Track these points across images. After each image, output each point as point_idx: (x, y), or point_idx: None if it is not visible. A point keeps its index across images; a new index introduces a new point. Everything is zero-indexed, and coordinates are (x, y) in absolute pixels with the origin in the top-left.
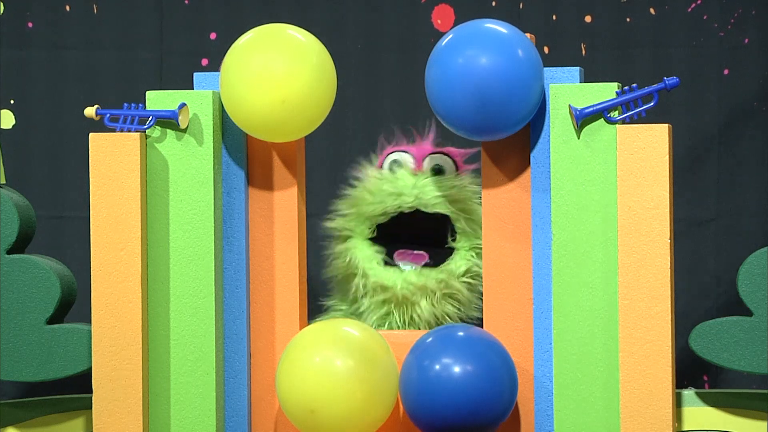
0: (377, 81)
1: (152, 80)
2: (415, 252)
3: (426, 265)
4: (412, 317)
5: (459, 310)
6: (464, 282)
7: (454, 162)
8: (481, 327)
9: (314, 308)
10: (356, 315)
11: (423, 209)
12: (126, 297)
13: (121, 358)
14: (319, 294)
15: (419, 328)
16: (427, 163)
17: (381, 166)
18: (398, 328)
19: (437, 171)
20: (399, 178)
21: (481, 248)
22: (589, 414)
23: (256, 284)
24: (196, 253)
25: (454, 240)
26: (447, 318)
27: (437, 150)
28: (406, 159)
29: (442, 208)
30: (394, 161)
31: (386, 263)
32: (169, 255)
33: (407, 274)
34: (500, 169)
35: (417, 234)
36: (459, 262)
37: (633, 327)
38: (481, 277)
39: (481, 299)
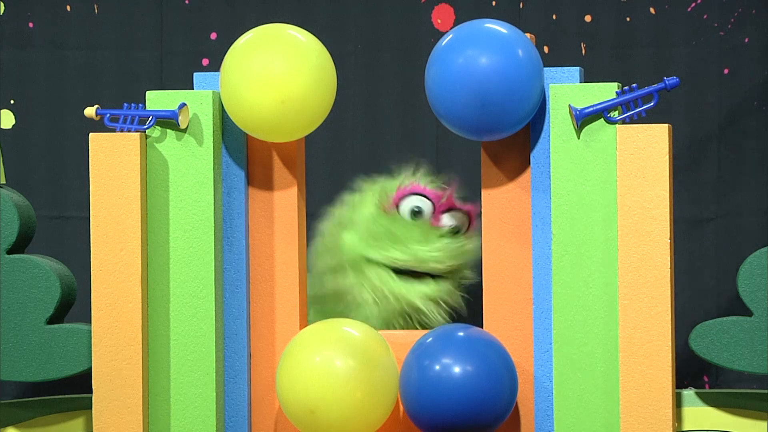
0: (377, 81)
1: (152, 80)
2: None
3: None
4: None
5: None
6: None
7: (469, 220)
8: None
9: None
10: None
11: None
12: (126, 297)
13: (121, 358)
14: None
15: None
16: (445, 220)
17: (397, 203)
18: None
19: (455, 232)
20: (422, 237)
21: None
22: (589, 414)
23: (256, 284)
24: (196, 253)
25: None
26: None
27: (458, 207)
28: (427, 209)
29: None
30: (417, 209)
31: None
32: (169, 255)
33: (419, 285)
34: (500, 169)
35: None
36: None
37: (633, 327)
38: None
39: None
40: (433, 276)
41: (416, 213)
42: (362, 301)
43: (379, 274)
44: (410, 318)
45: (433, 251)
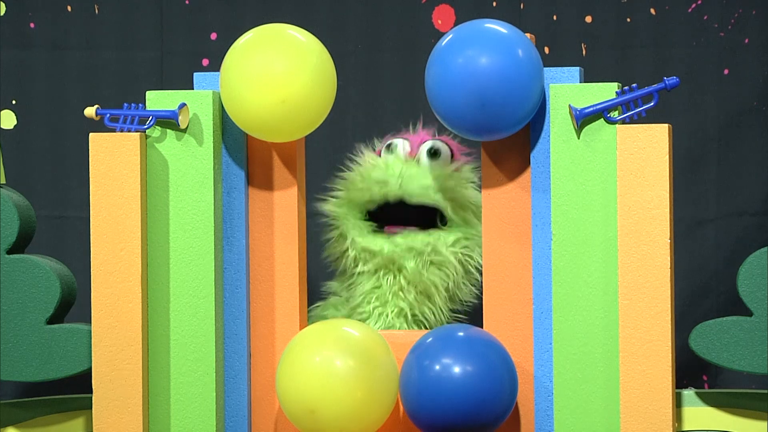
0: (377, 81)
1: (153, 80)
2: (406, 228)
3: None
4: (401, 287)
5: (446, 283)
6: (453, 251)
7: (451, 150)
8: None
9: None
10: (348, 294)
11: (407, 199)
12: (126, 297)
13: (121, 358)
14: (318, 296)
15: (406, 298)
16: (423, 147)
17: (380, 153)
18: (387, 301)
19: (433, 153)
20: (388, 165)
21: (473, 237)
22: (589, 414)
23: (256, 284)
24: (196, 253)
25: (444, 225)
26: (434, 289)
27: (436, 138)
28: (402, 144)
29: (426, 199)
30: (388, 145)
31: (375, 231)
32: (169, 255)
33: (394, 237)
34: (500, 169)
35: (408, 223)
36: (448, 232)
37: (633, 327)
38: (472, 257)
39: (472, 279)
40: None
41: (390, 148)
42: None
43: (359, 231)
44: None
45: (395, 169)
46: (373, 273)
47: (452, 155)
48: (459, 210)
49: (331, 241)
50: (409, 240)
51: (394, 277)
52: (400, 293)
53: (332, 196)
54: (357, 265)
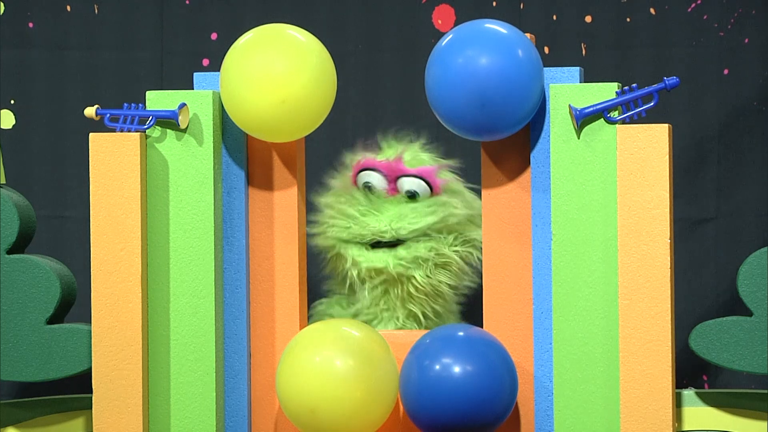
0: (377, 81)
1: (153, 80)
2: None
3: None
4: (410, 294)
5: (452, 279)
6: (455, 250)
7: (428, 183)
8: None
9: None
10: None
11: (403, 239)
12: (126, 297)
13: (121, 358)
14: (318, 295)
15: (416, 303)
16: (401, 187)
17: (354, 180)
18: (397, 306)
19: (411, 196)
20: (374, 209)
21: (467, 238)
22: (589, 414)
23: (256, 284)
24: (196, 253)
25: None
26: (443, 287)
27: (410, 172)
28: (378, 181)
29: (422, 235)
30: (367, 184)
31: (372, 246)
32: (169, 255)
33: (397, 250)
34: (500, 169)
35: None
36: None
37: (633, 327)
38: (472, 253)
39: (474, 269)
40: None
41: (367, 187)
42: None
43: (355, 253)
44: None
45: (386, 218)
46: (379, 285)
47: (430, 186)
48: (453, 227)
49: (330, 259)
50: (412, 250)
51: (403, 285)
52: (409, 298)
53: (316, 227)
54: (363, 283)
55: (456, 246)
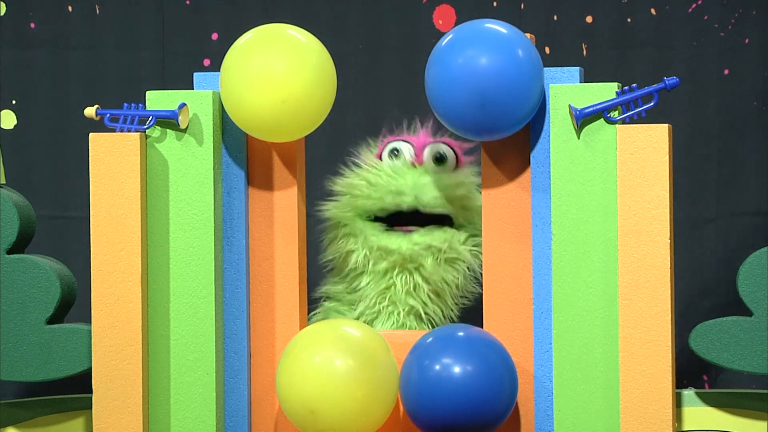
0: (377, 81)
1: (153, 80)
2: (419, 228)
3: None
4: (415, 285)
5: (457, 279)
6: (466, 249)
7: (455, 153)
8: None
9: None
10: (353, 297)
11: (422, 209)
12: (126, 297)
13: (121, 358)
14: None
15: (418, 297)
16: (428, 153)
17: (380, 156)
18: (400, 300)
19: (439, 159)
20: (398, 174)
21: (479, 235)
22: (589, 414)
23: (256, 284)
24: (196, 253)
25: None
26: (445, 286)
27: (438, 140)
28: (406, 149)
29: (441, 208)
30: (393, 150)
31: (388, 230)
32: (169, 255)
33: (411, 235)
34: (500, 169)
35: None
36: (459, 231)
37: (633, 327)
38: (479, 257)
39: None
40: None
41: (394, 154)
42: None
43: (370, 230)
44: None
45: (410, 180)
46: (383, 273)
47: (457, 158)
48: (467, 214)
49: (335, 240)
50: (427, 238)
51: (410, 274)
52: (413, 292)
53: (334, 200)
54: (367, 265)
55: (468, 245)
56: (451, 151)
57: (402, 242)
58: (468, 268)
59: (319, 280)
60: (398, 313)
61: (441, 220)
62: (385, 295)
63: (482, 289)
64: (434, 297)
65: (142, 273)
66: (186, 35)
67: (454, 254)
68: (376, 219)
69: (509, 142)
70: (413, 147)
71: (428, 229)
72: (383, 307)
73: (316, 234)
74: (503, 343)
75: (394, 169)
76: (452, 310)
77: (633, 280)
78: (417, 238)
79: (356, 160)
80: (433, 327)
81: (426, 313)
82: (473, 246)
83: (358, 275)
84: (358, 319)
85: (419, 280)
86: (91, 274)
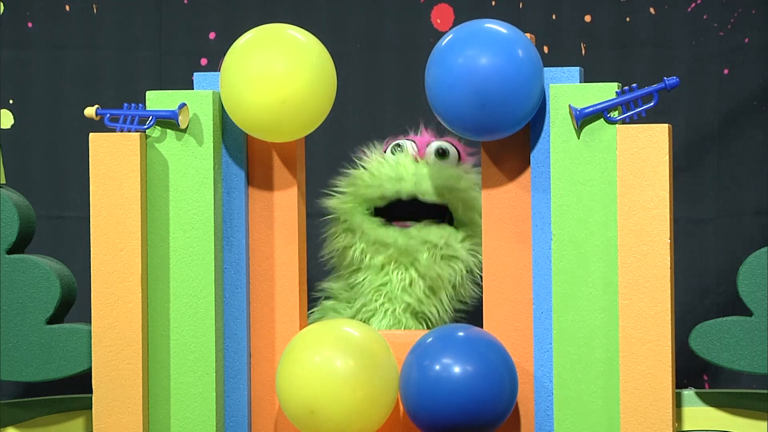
0: (377, 81)
1: (152, 80)
2: (417, 222)
3: None
4: (411, 280)
5: (453, 278)
6: (463, 247)
7: (458, 151)
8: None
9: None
10: (350, 294)
11: (421, 197)
12: (126, 297)
13: (121, 358)
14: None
15: (414, 293)
16: (430, 148)
17: (384, 152)
18: (396, 296)
19: (441, 153)
20: (400, 163)
21: (478, 236)
22: (589, 414)
23: (256, 284)
24: (196, 253)
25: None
26: (441, 283)
27: (441, 138)
28: (409, 145)
29: (440, 198)
30: (397, 145)
31: (385, 225)
32: (169, 255)
33: (407, 230)
34: (500, 169)
35: (415, 221)
36: (457, 229)
37: (633, 327)
38: (477, 255)
39: (476, 278)
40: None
41: (399, 148)
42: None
43: (368, 223)
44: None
45: (409, 168)
46: (380, 268)
47: (459, 156)
48: (467, 211)
49: (335, 236)
50: (423, 233)
51: (405, 269)
52: (409, 288)
53: (336, 192)
54: (363, 260)
55: (466, 243)
56: (453, 147)
57: (398, 236)
58: (466, 269)
59: (320, 277)
60: (394, 311)
61: (441, 215)
62: (382, 291)
63: (481, 292)
64: (430, 294)
65: (142, 273)
66: (184, 35)
67: (451, 251)
68: (376, 213)
69: (509, 142)
70: (416, 144)
71: (425, 224)
72: (380, 305)
73: (316, 234)
74: (503, 343)
75: (397, 159)
76: (447, 311)
77: (633, 280)
78: (413, 232)
79: (360, 157)
80: (429, 326)
81: (422, 312)
82: (471, 245)
83: (355, 271)
84: (354, 317)
85: (414, 275)
86: (91, 274)
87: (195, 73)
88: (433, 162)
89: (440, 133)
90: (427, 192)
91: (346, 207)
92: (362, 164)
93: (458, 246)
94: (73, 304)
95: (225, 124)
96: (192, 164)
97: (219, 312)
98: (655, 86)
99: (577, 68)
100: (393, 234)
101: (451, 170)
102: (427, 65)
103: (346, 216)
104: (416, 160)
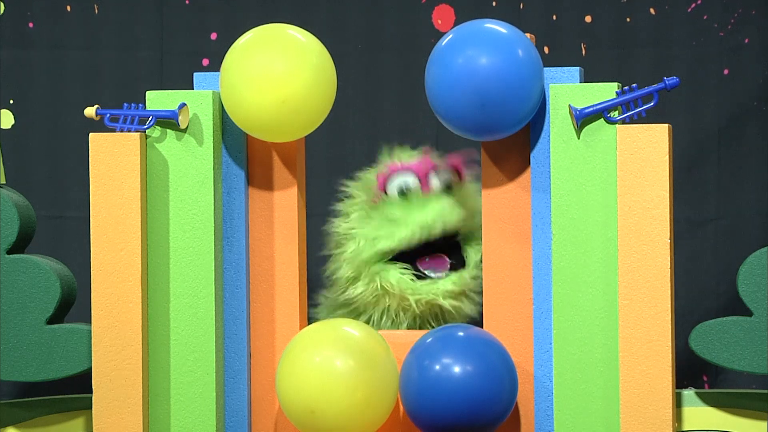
0: (377, 81)
1: (153, 80)
2: (435, 257)
3: (452, 268)
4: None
5: (465, 309)
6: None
7: (458, 173)
8: (481, 326)
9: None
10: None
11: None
12: (126, 297)
13: (121, 358)
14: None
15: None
16: (434, 182)
17: (383, 189)
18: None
19: (448, 187)
20: (418, 208)
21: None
22: (589, 414)
23: (256, 284)
24: (196, 253)
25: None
26: (455, 313)
27: (440, 165)
28: (413, 182)
29: (461, 228)
30: (403, 187)
31: (416, 276)
32: (169, 255)
33: (443, 283)
34: (500, 169)
35: (427, 245)
36: (477, 255)
37: (633, 327)
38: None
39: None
40: (453, 266)
41: (404, 191)
42: (386, 308)
43: (398, 280)
44: (441, 317)
45: (434, 211)
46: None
47: (460, 177)
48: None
49: (342, 280)
50: (459, 285)
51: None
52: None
53: (352, 238)
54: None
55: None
56: (454, 174)
57: (438, 293)
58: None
59: (320, 279)
60: (399, 324)
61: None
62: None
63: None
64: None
65: (142, 273)
66: (185, 35)
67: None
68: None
69: (509, 142)
70: (417, 177)
71: (454, 275)
72: (384, 322)
73: (316, 234)
74: (503, 343)
75: (409, 203)
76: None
77: (633, 280)
78: (449, 285)
79: (356, 193)
80: (430, 326)
81: (428, 321)
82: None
83: (384, 318)
84: (352, 306)
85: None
86: (91, 274)
87: (195, 73)
88: (439, 192)
89: (434, 146)
90: (452, 230)
91: (361, 259)
92: (366, 207)
93: (471, 283)
94: (73, 304)
95: (225, 124)
96: (192, 164)
97: (219, 312)
98: (655, 86)
99: (577, 68)
100: (433, 291)
101: (463, 198)
102: (427, 65)
103: (375, 272)
104: (426, 197)
